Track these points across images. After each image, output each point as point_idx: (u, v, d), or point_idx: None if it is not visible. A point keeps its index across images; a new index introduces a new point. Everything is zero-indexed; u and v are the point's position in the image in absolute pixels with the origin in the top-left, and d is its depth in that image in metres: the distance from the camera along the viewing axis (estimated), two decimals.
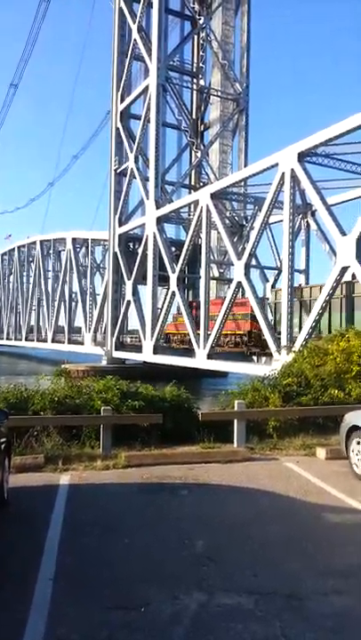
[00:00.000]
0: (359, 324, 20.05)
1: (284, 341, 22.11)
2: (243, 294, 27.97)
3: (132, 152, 39.88)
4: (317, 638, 3.43)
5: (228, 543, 5.04)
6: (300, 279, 34.29)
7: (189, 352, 31.27)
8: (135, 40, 39.49)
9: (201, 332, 28.99)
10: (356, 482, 7.20)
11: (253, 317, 26.68)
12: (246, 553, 4.80)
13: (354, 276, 20.14)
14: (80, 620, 3.61)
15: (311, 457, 8.79)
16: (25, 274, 70.12)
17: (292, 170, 22.19)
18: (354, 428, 7.62)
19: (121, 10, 41.60)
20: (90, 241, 50.89)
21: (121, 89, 42.19)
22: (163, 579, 4.24)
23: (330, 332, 19.68)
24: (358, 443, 7.42)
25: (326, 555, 4.83)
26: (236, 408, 9.42)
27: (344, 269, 19.68)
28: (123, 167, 41.89)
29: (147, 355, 35.63)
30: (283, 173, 22.75)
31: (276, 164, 23.30)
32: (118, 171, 42.53)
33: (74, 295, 55.15)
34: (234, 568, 4.45)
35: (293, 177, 22.36)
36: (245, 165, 38.77)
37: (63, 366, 30.34)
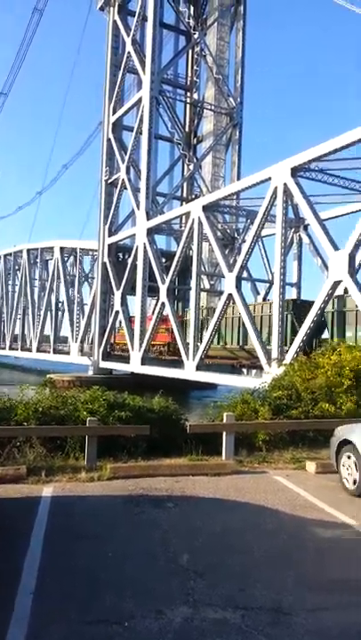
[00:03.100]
0: (350, 338, 20.12)
1: (274, 354, 22.06)
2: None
3: (123, 163, 39.93)
4: None
5: (214, 557, 4.93)
6: (292, 292, 34.46)
7: (178, 363, 31.14)
8: (129, 53, 39.73)
9: (190, 343, 28.85)
10: (346, 496, 7.14)
11: (171, 331, 32.00)
12: (233, 567, 4.70)
13: (346, 291, 20.22)
14: (61, 634, 3.50)
15: (301, 471, 8.71)
16: (10, 282, 69.36)
17: (285, 184, 22.31)
18: (344, 443, 7.56)
19: (115, 23, 41.93)
20: (78, 250, 50.61)
21: (113, 101, 42.39)
22: (147, 592, 4.13)
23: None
24: (349, 457, 7.36)
25: (314, 570, 4.76)
26: (225, 420, 9.32)
27: (336, 283, 19.74)
28: (114, 178, 41.91)
29: (135, 365, 35.38)
30: (275, 187, 22.89)
31: (269, 179, 23.45)
32: (109, 181, 42.54)
33: (60, 304, 54.70)
34: (220, 582, 4.35)
35: (286, 191, 22.48)
36: (238, 179, 38.98)
37: (48, 376, 29.89)
